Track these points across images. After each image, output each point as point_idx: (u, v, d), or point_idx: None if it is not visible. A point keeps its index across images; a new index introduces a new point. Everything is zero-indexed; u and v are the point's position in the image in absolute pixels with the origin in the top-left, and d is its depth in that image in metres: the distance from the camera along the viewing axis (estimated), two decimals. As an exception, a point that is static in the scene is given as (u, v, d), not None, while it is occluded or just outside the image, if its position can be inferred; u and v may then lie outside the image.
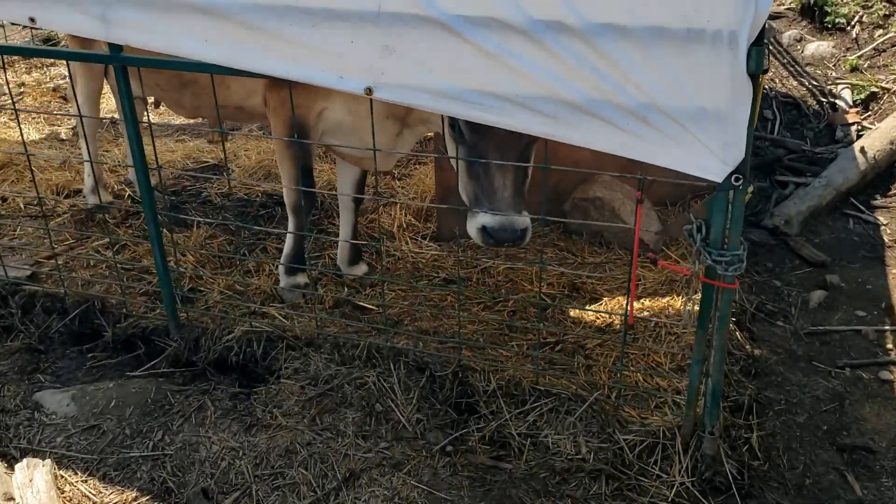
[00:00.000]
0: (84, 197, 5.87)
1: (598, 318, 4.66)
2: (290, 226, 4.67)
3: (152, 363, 4.14)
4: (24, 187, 6.15)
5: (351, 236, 4.98)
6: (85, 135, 5.77)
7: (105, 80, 5.62)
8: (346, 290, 4.84)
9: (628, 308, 3.42)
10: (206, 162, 6.76)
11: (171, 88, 4.73)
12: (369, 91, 3.26)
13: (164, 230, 5.15)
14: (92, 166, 5.83)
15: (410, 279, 5.00)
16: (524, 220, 3.51)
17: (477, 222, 3.53)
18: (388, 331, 4.03)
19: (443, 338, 4.23)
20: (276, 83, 4.20)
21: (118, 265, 4.88)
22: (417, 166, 6.56)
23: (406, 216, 5.74)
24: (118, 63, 3.59)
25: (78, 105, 5.72)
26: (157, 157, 4.06)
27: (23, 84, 8.80)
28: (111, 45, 3.58)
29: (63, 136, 7.53)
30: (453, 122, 3.59)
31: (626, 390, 3.89)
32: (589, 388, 3.87)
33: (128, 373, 4.12)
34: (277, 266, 4.85)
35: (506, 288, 4.91)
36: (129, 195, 6.07)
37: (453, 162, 3.82)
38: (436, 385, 3.83)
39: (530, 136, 3.48)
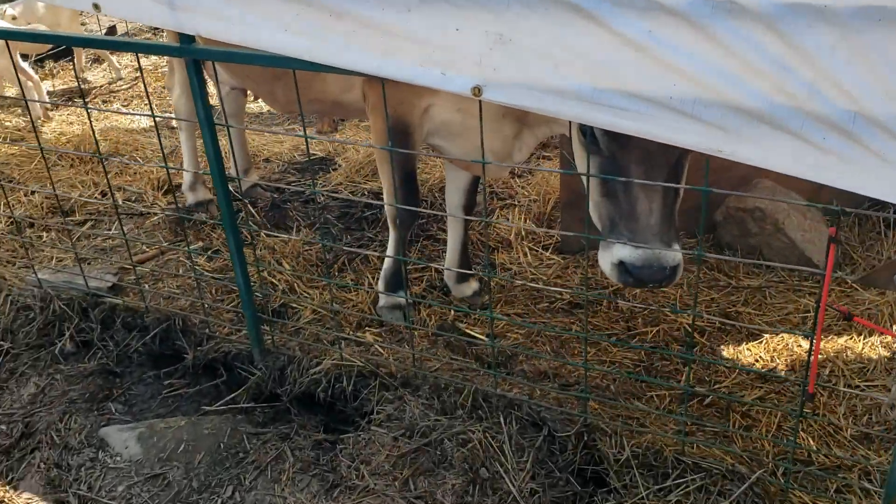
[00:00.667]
0: (183, 194, 5.50)
1: (757, 361, 3.82)
2: (391, 239, 4.08)
3: (232, 396, 3.64)
4: (126, 180, 5.85)
5: (460, 250, 4.33)
6: (181, 127, 5.39)
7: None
8: (451, 311, 4.21)
9: (808, 374, 2.61)
10: (314, 154, 6.28)
11: (262, 81, 4.21)
12: (477, 91, 2.59)
13: (262, 234, 4.69)
14: (190, 160, 5.45)
15: (527, 301, 4.31)
16: (675, 255, 2.75)
17: (613, 255, 2.79)
18: (497, 374, 3.36)
19: (564, 385, 3.53)
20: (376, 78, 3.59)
21: (203, 277, 4.43)
22: (541, 160, 5.83)
23: (526, 221, 5.04)
24: (188, 56, 3.06)
25: (174, 95, 5.33)
26: (226, 158, 3.50)
27: (139, 69, 8.66)
28: (181, 36, 3.06)
29: (175, 124, 7.24)
30: (585, 127, 2.86)
31: (797, 466, 3.07)
32: (748, 461, 3.08)
33: (204, 406, 3.64)
34: (377, 280, 4.27)
35: (643, 316, 4.14)
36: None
37: (582, 176, 3.10)
38: (555, 447, 3.14)
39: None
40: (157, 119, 3.47)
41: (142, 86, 8.06)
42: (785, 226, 4.36)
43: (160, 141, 3.52)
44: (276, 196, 5.59)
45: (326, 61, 2.80)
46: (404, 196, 3.85)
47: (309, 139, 3.33)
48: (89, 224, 5.25)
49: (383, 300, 4.17)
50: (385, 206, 3.96)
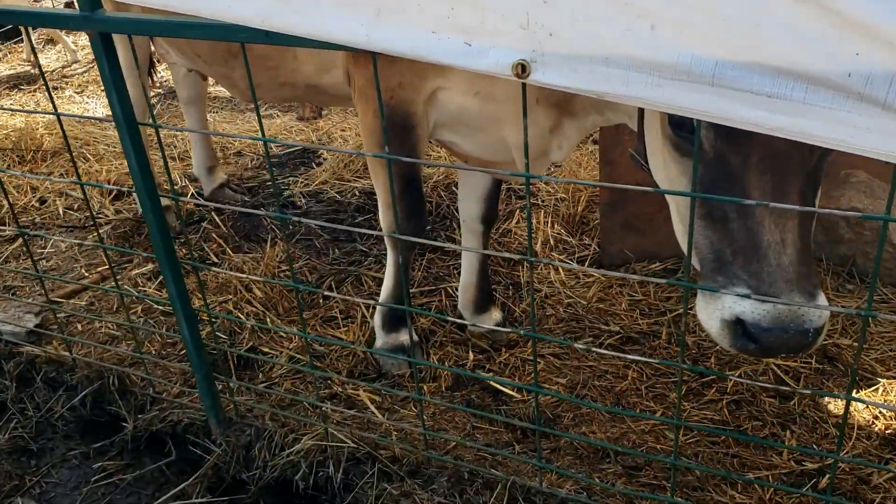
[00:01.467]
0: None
1: (877, 419, 2.90)
2: (389, 262, 3.13)
3: (181, 487, 2.72)
4: (70, 185, 4.87)
5: (479, 272, 3.39)
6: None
7: (153, 49, 4.19)
8: (471, 353, 3.28)
9: None
10: (294, 146, 5.30)
11: (216, 61, 3.24)
12: (521, 69, 1.65)
13: (212, 269, 3.75)
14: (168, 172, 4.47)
15: (562, 333, 3.38)
16: (820, 312, 1.80)
17: (725, 310, 1.83)
18: (542, 464, 2.42)
19: (631, 469, 2.60)
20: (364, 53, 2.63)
21: (145, 320, 3.50)
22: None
23: (554, 227, 4.10)
24: (91, 28, 2.09)
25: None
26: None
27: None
28: (81, 3, 2.10)
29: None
30: (676, 117, 1.92)
31: None
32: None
33: (146, 499, 2.72)
34: (372, 315, 3.34)
35: (716, 355, 3.21)
36: (191, 193, 4.69)
37: (663, 184, 2.17)
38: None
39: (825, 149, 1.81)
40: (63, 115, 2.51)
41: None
42: (890, 232, 3.43)
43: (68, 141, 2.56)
44: (248, 199, 4.63)
45: (289, 29, 1.85)
46: (406, 209, 2.91)
47: (270, 141, 2.37)
48: (18, 243, 4.28)
49: (381, 340, 3.24)
50: (380, 217, 3.01)
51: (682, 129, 1.94)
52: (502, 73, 1.67)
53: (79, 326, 3.46)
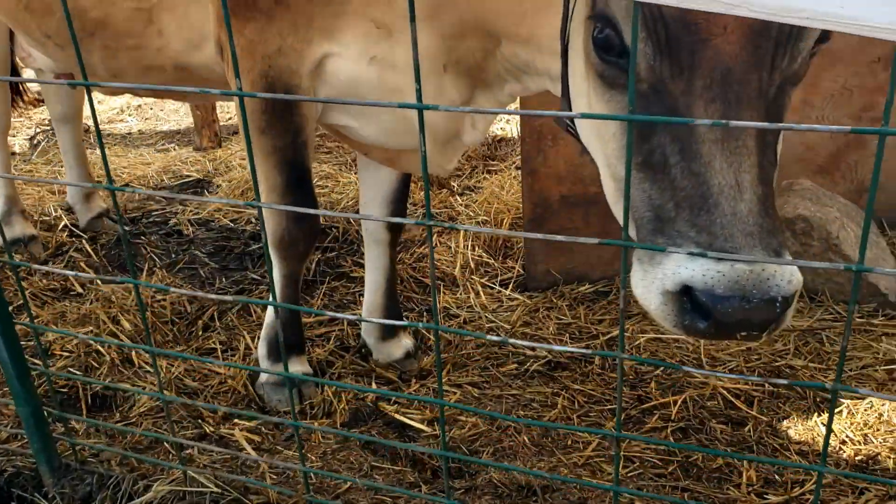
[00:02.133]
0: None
1: (844, 443, 2.50)
2: (276, 276, 2.64)
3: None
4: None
5: (385, 290, 2.92)
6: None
7: (11, 50, 3.67)
8: (374, 384, 2.78)
9: None
10: (189, 176, 4.79)
11: (68, 41, 2.75)
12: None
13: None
14: (-1, 183, 3.91)
15: (486, 363, 2.91)
16: (788, 272, 1.38)
17: (669, 278, 1.38)
18: (453, 493, 1.92)
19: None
20: (234, 11, 2.20)
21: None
22: (487, 175, 4.49)
23: (475, 250, 3.67)
24: None
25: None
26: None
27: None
28: None
29: (16, 147, 5.65)
30: (605, 35, 1.51)
31: None
32: None
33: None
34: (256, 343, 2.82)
35: (656, 379, 2.78)
36: (65, 225, 4.11)
37: (590, 137, 1.76)
38: None
39: (789, 67, 1.44)
40: None
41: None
42: (840, 240, 3.10)
43: None
44: (127, 228, 4.08)
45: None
46: (294, 201, 2.44)
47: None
48: None
49: (265, 374, 2.71)
50: (265, 222, 2.52)
51: (608, 52, 1.53)
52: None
53: None
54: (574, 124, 1.87)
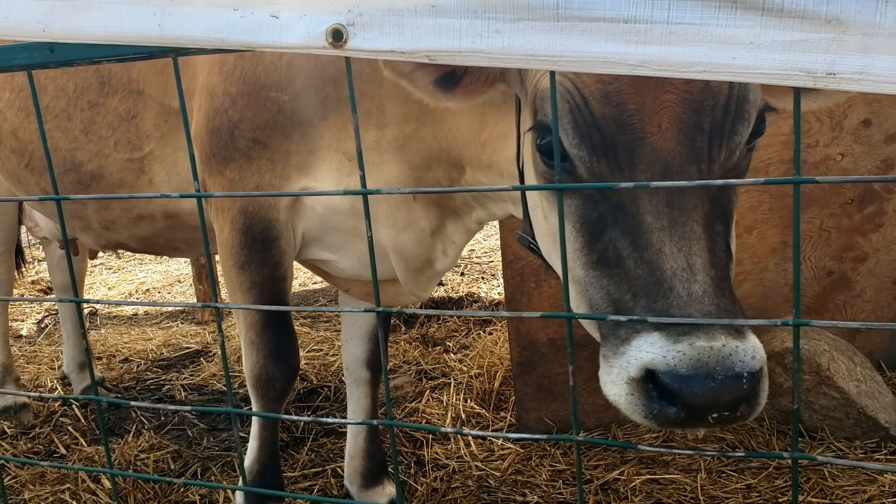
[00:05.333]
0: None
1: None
2: (254, 422, 2.59)
3: None
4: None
5: (367, 436, 2.85)
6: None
7: (23, 219, 3.84)
8: (357, 533, 2.64)
9: None
10: (187, 348, 4.83)
11: (65, 193, 2.89)
12: (336, 37, 1.33)
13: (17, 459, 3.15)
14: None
15: (476, 508, 2.78)
16: (750, 346, 1.35)
17: (633, 365, 1.35)
18: None
19: None
20: (215, 153, 2.34)
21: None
22: (482, 333, 4.49)
23: (468, 402, 3.61)
24: None
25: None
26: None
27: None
28: None
29: (24, 330, 5.75)
30: (545, 143, 1.59)
31: None
32: None
33: None
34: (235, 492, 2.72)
35: (655, 518, 2.64)
36: (58, 395, 4.09)
37: (549, 248, 1.80)
38: None
39: (728, 160, 1.50)
40: None
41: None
42: (832, 373, 3.04)
43: None
44: (119, 396, 4.06)
45: (73, 34, 1.53)
46: (271, 345, 2.45)
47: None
48: None
49: (243, 524, 2.60)
50: (244, 360, 2.51)
51: (552, 157, 1.60)
52: (316, 46, 1.36)
53: None
54: (536, 242, 1.91)
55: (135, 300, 6.50)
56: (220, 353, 4.38)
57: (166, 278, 6.77)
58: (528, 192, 1.86)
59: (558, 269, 1.77)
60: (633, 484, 2.85)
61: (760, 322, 1.23)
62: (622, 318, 1.35)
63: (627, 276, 1.45)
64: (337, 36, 1.32)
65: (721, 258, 1.46)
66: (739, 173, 1.55)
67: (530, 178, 1.77)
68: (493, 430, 3.38)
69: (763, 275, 3.56)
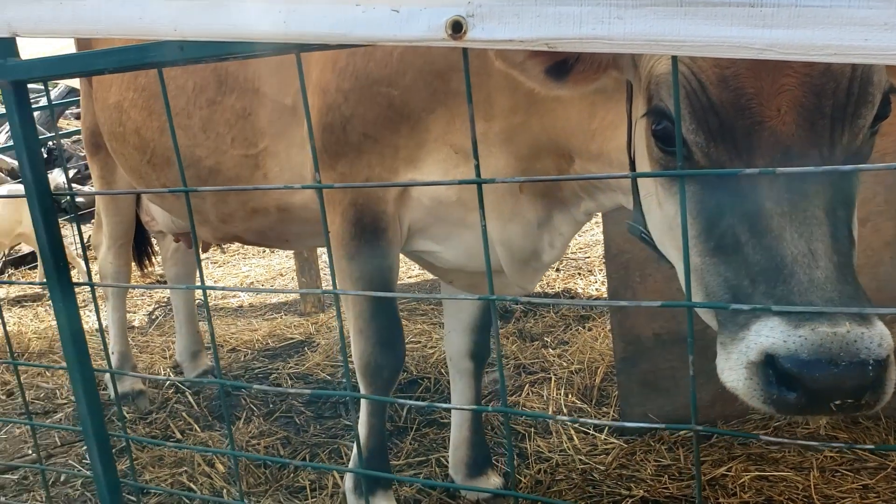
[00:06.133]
0: (104, 386, 4.16)
1: None
2: (362, 407, 2.66)
3: None
4: (45, 378, 4.53)
5: (471, 426, 2.88)
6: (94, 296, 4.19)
7: (139, 213, 4.04)
8: (462, 522, 2.68)
9: None
10: (291, 339, 4.98)
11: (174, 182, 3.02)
12: (456, 28, 1.35)
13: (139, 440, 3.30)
14: (117, 338, 4.18)
15: (580, 502, 2.77)
16: (877, 332, 1.32)
17: (752, 350, 1.34)
18: None
19: None
20: (327, 148, 2.40)
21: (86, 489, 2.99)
22: (581, 329, 4.46)
23: (569, 397, 3.60)
24: (2, 78, 1.89)
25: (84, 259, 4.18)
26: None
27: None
28: None
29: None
30: (662, 126, 1.58)
31: None
32: None
33: None
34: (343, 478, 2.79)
35: (767, 517, 2.58)
36: (170, 383, 4.30)
37: (663, 237, 1.77)
38: None
39: (851, 144, 1.45)
40: None
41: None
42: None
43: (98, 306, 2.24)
44: (227, 382, 4.22)
45: (201, 32, 1.61)
46: (378, 334, 2.51)
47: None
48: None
49: (352, 506, 2.67)
50: (353, 348, 2.58)
51: (668, 143, 1.59)
52: (435, 38, 1.38)
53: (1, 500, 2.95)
54: (647, 232, 1.89)
55: (255, 288, 6.74)
56: (322, 343, 4.51)
57: (269, 272, 6.98)
58: (640, 181, 1.84)
59: (672, 258, 1.75)
60: (742, 480, 2.78)
61: (889, 311, 1.19)
62: (744, 308, 1.34)
63: (746, 263, 1.44)
64: (456, 27, 1.34)
65: (844, 244, 1.43)
66: (862, 158, 1.50)
67: (643, 166, 1.76)
68: (595, 426, 3.35)
69: (878, 269, 3.41)
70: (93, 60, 1.80)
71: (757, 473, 2.79)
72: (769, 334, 1.33)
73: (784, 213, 1.41)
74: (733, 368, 1.41)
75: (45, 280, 1.95)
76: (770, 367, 1.33)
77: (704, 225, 1.51)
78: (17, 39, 1.91)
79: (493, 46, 1.35)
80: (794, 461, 2.89)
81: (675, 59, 1.25)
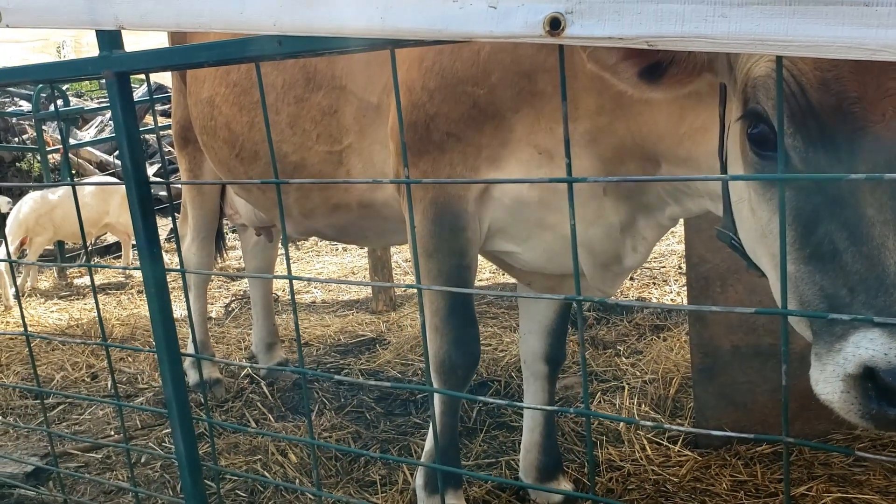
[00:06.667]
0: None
1: None
2: (436, 404, 2.67)
3: None
4: (126, 362, 4.69)
5: (543, 430, 2.86)
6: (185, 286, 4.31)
7: (223, 206, 4.14)
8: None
9: None
10: (363, 336, 5.03)
11: (270, 185, 3.09)
12: (554, 24, 1.34)
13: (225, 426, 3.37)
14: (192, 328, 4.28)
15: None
16: None
17: (850, 362, 1.30)
18: None
19: None
20: (410, 146, 2.42)
21: (165, 472, 3.08)
22: (655, 339, 4.39)
23: (642, 406, 3.54)
24: (106, 68, 1.96)
25: (180, 250, 4.29)
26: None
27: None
28: (100, 45, 2.01)
29: (213, 313, 6.20)
30: (759, 130, 1.54)
31: None
32: None
33: None
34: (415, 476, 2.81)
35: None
36: (247, 372, 4.39)
37: (755, 244, 1.73)
38: None
39: None
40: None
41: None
42: None
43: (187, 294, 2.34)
44: (299, 374, 4.29)
45: (301, 28, 1.64)
46: (454, 333, 2.52)
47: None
48: (61, 408, 4.02)
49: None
50: (429, 344, 2.59)
51: (764, 147, 1.55)
52: (533, 34, 1.38)
53: (86, 476, 3.06)
54: (738, 238, 1.85)
55: (337, 279, 6.85)
56: (393, 341, 4.54)
57: (341, 269, 7.08)
58: (732, 185, 1.80)
59: (764, 265, 1.71)
60: (824, 501, 2.69)
61: None
62: (844, 317, 1.30)
63: (844, 272, 1.40)
64: (554, 24, 1.34)
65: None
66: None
67: (735, 171, 1.72)
68: (669, 438, 3.29)
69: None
70: (194, 53, 1.86)
71: (839, 495, 2.70)
72: (869, 346, 1.29)
73: (887, 220, 1.37)
74: (829, 381, 1.37)
75: (138, 266, 2.02)
76: (869, 380, 1.30)
77: (801, 231, 1.47)
78: (122, 33, 1.99)
79: (592, 44, 1.34)
80: (880, 484, 2.78)
81: (779, 59, 1.22)
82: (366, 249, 6.22)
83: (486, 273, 6.24)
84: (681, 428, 1.36)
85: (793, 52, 1.18)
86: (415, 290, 3.04)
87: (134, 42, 5.29)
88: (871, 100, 1.37)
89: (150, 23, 1.85)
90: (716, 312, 3.15)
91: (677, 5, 1.28)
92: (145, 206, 2.01)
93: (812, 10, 1.18)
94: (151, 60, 1.97)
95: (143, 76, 5.03)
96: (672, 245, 6.56)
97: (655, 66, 1.62)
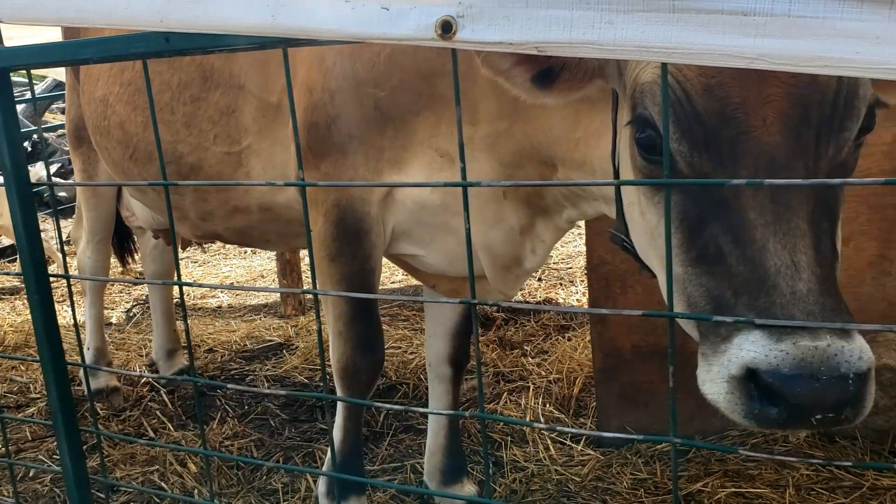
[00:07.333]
0: (79, 381, 4.10)
1: None
2: (338, 410, 2.63)
3: None
4: (19, 371, 4.47)
5: (448, 433, 2.86)
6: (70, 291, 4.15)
7: (119, 208, 3.99)
8: (436, 529, 2.66)
9: None
10: (270, 341, 4.94)
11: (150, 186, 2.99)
12: (445, 28, 1.33)
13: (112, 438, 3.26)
14: (93, 333, 4.12)
15: (555, 512, 2.76)
16: (857, 348, 1.32)
17: (733, 363, 1.33)
18: None
19: None
20: (311, 147, 2.38)
21: (55, 486, 2.94)
22: (560, 339, 4.45)
23: (546, 406, 3.59)
24: None
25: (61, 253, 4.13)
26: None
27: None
28: (-18, 38, 1.90)
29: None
30: (646, 135, 1.57)
31: None
32: None
33: None
34: (316, 482, 2.76)
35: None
36: (146, 381, 4.24)
37: (646, 246, 1.77)
38: None
39: (836, 157, 1.46)
40: None
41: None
42: (934, 393, 2.91)
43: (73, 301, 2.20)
44: (201, 381, 4.17)
45: (188, 25, 1.58)
46: (358, 338, 2.49)
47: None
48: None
49: (324, 510, 2.64)
50: (331, 350, 2.55)
51: (651, 152, 1.58)
52: (424, 37, 1.37)
53: (-33, 494, 2.90)
54: (630, 241, 1.89)
55: (233, 286, 6.69)
56: (301, 346, 4.47)
57: (250, 273, 6.93)
58: (623, 190, 1.83)
59: (654, 267, 1.75)
60: (718, 496, 2.78)
61: (872, 327, 1.19)
62: (727, 319, 1.33)
63: (729, 274, 1.43)
64: (446, 28, 1.33)
65: (826, 256, 1.43)
66: (847, 171, 1.51)
67: (627, 175, 1.75)
68: (572, 437, 3.34)
69: (859, 289, 3.42)
70: (78, 50, 1.77)
71: (733, 490, 2.79)
72: (751, 348, 1.33)
73: (768, 223, 1.41)
74: (714, 381, 1.40)
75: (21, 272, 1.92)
76: (751, 381, 1.33)
77: (687, 235, 1.50)
78: (1, 28, 1.89)
79: (483, 48, 1.34)
80: (771, 478, 2.89)
81: (664, 66, 1.24)
82: (274, 252, 6.11)
83: (398, 275, 6.21)
84: (574, 430, 1.38)
85: (676, 59, 1.21)
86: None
87: (32, 36, 5.05)
88: (752, 106, 1.41)
89: (30, 16, 1.76)
90: (615, 317, 3.22)
91: (566, 11, 1.28)
92: (26, 209, 1.92)
93: (694, 19, 1.21)
94: (32, 56, 1.88)
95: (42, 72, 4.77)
96: (580, 247, 6.68)
97: (547, 71, 1.63)
